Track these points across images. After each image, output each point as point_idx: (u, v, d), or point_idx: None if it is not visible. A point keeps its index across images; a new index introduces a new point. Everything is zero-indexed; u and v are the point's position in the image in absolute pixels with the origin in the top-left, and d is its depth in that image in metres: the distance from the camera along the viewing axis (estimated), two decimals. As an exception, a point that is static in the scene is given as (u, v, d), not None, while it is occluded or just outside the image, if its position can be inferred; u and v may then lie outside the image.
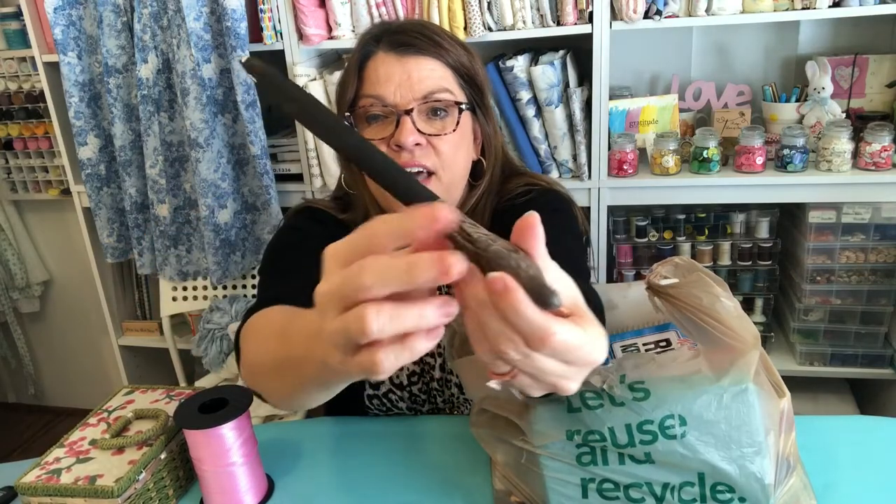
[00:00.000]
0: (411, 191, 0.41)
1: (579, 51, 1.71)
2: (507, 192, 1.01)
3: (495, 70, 1.65)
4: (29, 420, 2.68)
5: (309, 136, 1.75)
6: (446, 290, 0.40)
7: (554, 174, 1.74)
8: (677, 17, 1.56)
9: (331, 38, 1.69)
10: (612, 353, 0.80)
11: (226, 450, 0.82)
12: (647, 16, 1.56)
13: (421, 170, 0.89)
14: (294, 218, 1.05)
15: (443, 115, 0.90)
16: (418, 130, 0.88)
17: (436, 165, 0.89)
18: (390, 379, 1.04)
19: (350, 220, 1.01)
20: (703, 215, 1.77)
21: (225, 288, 2.00)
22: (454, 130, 0.90)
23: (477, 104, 0.95)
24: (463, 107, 0.91)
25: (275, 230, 1.89)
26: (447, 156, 0.90)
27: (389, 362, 0.39)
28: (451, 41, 0.92)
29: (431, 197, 0.41)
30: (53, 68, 1.88)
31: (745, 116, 1.76)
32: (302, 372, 0.53)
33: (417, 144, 0.87)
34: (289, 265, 0.93)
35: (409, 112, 0.87)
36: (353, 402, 1.05)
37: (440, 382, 1.03)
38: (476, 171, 0.99)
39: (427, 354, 1.03)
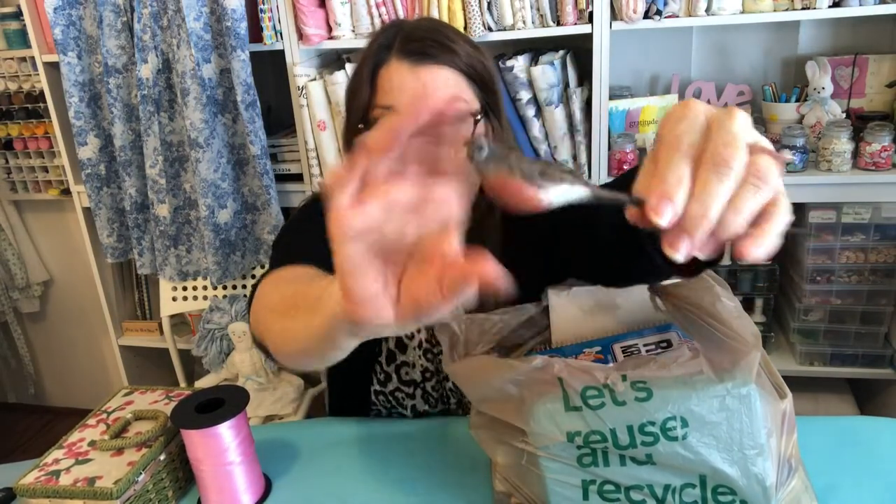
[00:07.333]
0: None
1: (579, 51, 1.71)
2: None
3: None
4: (29, 420, 2.68)
5: (309, 136, 1.75)
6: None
7: (554, 174, 1.73)
8: (677, 17, 1.56)
9: (331, 38, 1.69)
10: (612, 354, 0.80)
11: (223, 449, 0.82)
12: (647, 16, 1.56)
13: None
14: (305, 209, 1.05)
15: None
16: None
17: None
18: (398, 376, 1.02)
19: None
20: (704, 215, 1.77)
21: (225, 288, 2.00)
22: None
23: (491, 108, 0.92)
24: (478, 117, 0.88)
25: (275, 230, 1.90)
26: None
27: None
28: (463, 44, 0.89)
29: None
30: (53, 68, 1.88)
31: (746, 116, 1.76)
32: (313, 308, 0.51)
33: None
34: (302, 244, 0.90)
35: None
36: (358, 399, 1.04)
37: (455, 383, 1.02)
38: None
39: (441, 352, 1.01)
